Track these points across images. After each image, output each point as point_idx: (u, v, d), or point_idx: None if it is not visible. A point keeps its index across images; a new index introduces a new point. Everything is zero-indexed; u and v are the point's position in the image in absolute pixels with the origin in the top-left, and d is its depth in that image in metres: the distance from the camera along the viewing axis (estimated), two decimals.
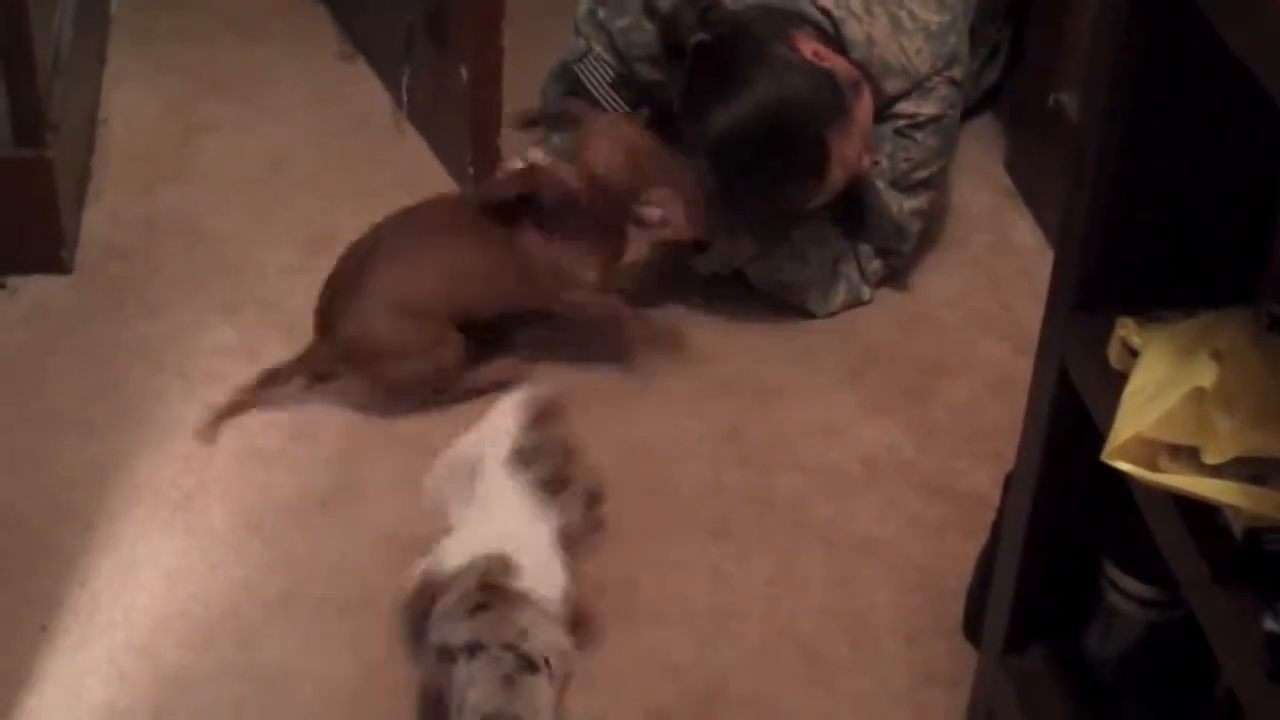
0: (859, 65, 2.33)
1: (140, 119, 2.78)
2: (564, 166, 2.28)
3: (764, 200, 2.33)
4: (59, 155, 2.40)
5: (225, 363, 2.32)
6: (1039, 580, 1.64)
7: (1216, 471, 1.23)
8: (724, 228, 2.35)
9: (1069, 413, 1.48)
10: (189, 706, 1.89)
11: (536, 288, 2.27)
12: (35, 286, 2.42)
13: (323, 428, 2.24)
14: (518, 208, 2.23)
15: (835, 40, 2.33)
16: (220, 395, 2.25)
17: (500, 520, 1.89)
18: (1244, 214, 1.43)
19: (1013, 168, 2.70)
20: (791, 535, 2.13)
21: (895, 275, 2.50)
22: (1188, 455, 1.25)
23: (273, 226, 2.58)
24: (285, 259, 2.52)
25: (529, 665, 1.73)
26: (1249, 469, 1.23)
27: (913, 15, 2.36)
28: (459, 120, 2.57)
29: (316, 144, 2.75)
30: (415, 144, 2.74)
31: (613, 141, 2.22)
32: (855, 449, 2.25)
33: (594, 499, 2.01)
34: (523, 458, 1.92)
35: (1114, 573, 1.56)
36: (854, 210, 2.42)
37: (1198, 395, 1.24)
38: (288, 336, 2.36)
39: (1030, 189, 2.65)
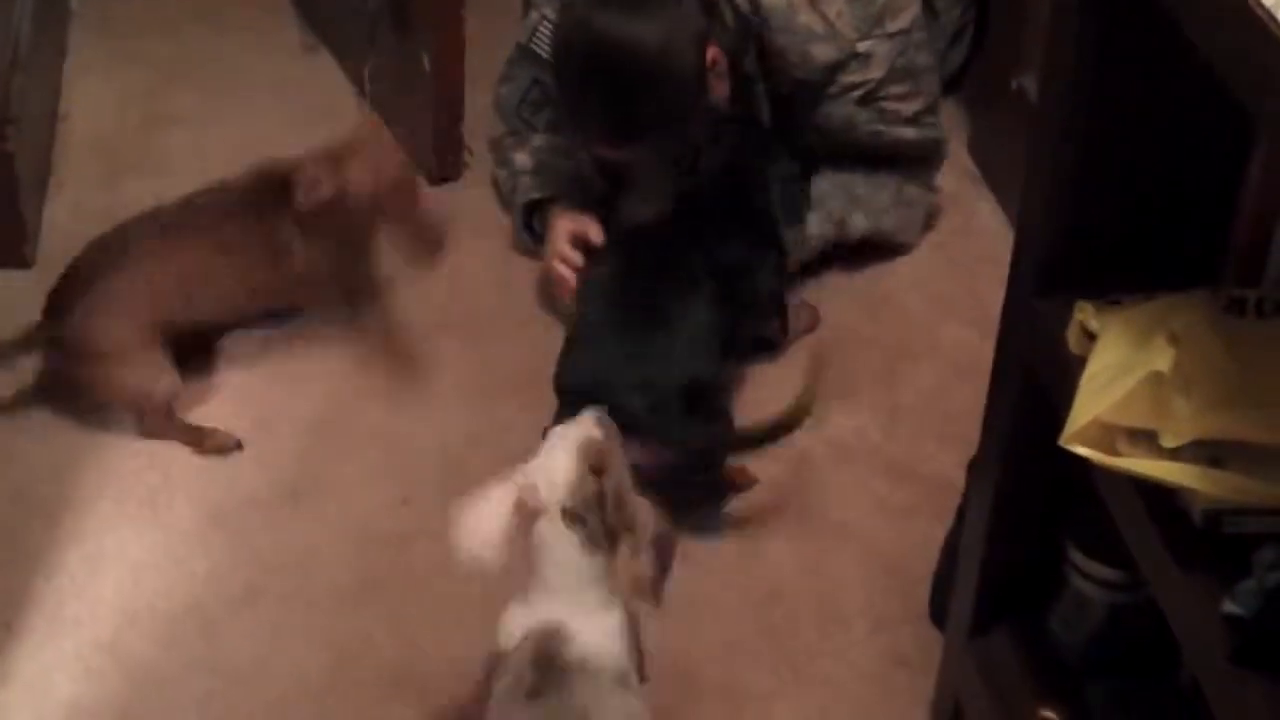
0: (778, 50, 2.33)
1: (102, 111, 2.77)
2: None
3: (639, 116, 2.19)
4: (19, 149, 2.39)
5: (189, 356, 2.31)
6: (1003, 564, 1.65)
7: (1175, 454, 1.23)
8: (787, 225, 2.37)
9: (1030, 398, 1.48)
10: (156, 702, 1.88)
11: (288, 286, 2.28)
12: None
13: (288, 421, 2.24)
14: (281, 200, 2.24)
15: (754, 6, 2.30)
16: (184, 391, 2.25)
17: (553, 587, 1.64)
18: (1203, 197, 1.44)
19: (976, 151, 2.71)
20: (760, 520, 2.13)
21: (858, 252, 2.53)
22: (1146, 439, 1.25)
23: None
24: None
25: None
26: (1207, 451, 1.23)
27: None
28: (422, 108, 2.57)
29: (281, 135, 2.73)
30: None
31: (372, 167, 2.25)
32: (822, 433, 2.25)
33: (665, 547, 1.68)
34: (575, 514, 1.62)
35: (1077, 556, 1.57)
36: (883, 155, 2.46)
37: (1155, 379, 1.24)
38: (253, 329, 2.35)
39: (993, 172, 2.65)
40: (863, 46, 2.35)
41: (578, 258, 2.28)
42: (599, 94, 2.13)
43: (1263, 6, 1.00)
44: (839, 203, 2.45)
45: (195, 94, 2.82)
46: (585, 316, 2.17)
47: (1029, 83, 2.46)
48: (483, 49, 2.59)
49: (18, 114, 2.40)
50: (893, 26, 2.38)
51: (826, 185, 2.45)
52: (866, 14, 2.35)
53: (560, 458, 1.64)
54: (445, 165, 2.61)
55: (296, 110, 2.79)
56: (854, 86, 2.38)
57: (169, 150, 2.70)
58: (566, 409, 2.05)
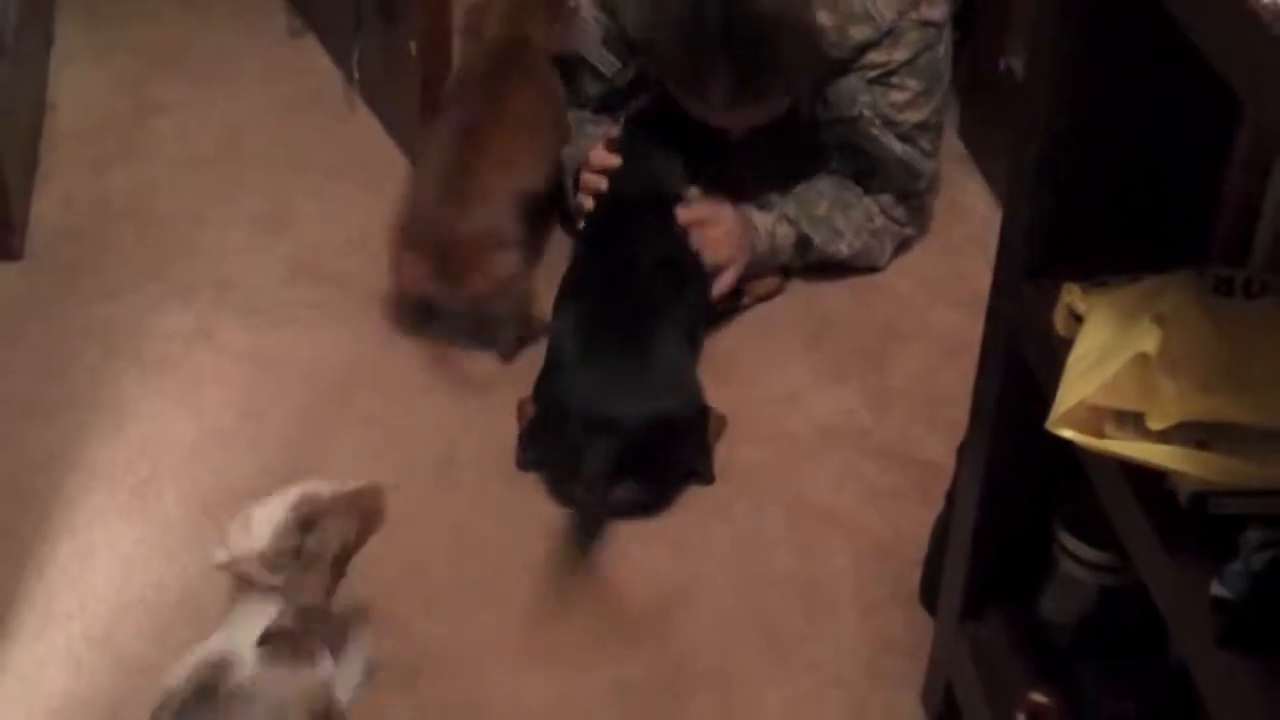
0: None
1: (90, 100, 2.76)
2: None
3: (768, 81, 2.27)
4: (6, 140, 2.39)
5: (180, 346, 2.31)
6: (993, 547, 1.65)
7: (1161, 437, 1.23)
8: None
9: (1018, 380, 1.48)
10: (149, 695, 1.86)
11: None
12: None
13: (278, 407, 2.23)
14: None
15: None
16: (174, 381, 2.25)
17: (230, 627, 1.72)
18: (1190, 177, 1.44)
19: (965, 133, 2.71)
20: (751, 505, 2.13)
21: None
22: (1133, 421, 1.25)
23: (226, 206, 2.57)
24: (240, 238, 2.51)
25: None
26: (1194, 433, 1.23)
27: None
28: (409, 95, 2.56)
29: (268, 121, 2.74)
30: (366, 119, 2.73)
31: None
32: (812, 417, 2.25)
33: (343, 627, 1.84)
34: (268, 561, 1.70)
35: (1067, 539, 1.57)
36: (863, 165, 2.42)
37: (1141, 360, 1.24)
38: (243, 317, 2.35)
39: (982, 154, 2.65)
40: (895, 25, 2.34)
41: (599, 180, 2.36)
42: (732, 51, 2.18)
43: None
44: (798, 215, 2.40)
45: (182, 81, 2.81)
46: (563, 344, 2.15)
47: (1016, 63, 2.46)
48: None
49: (5, 105, 2.39)
50: (927, 14, 2.36)
51: (792, 199, 2.42)
52: None
53: (270, 515, 1.71)
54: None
55: (284, 97, 2.78)
56: (875, 65, 2.35)
57: (157, 138, 2.70)
58: (545, 419, 2.11)
